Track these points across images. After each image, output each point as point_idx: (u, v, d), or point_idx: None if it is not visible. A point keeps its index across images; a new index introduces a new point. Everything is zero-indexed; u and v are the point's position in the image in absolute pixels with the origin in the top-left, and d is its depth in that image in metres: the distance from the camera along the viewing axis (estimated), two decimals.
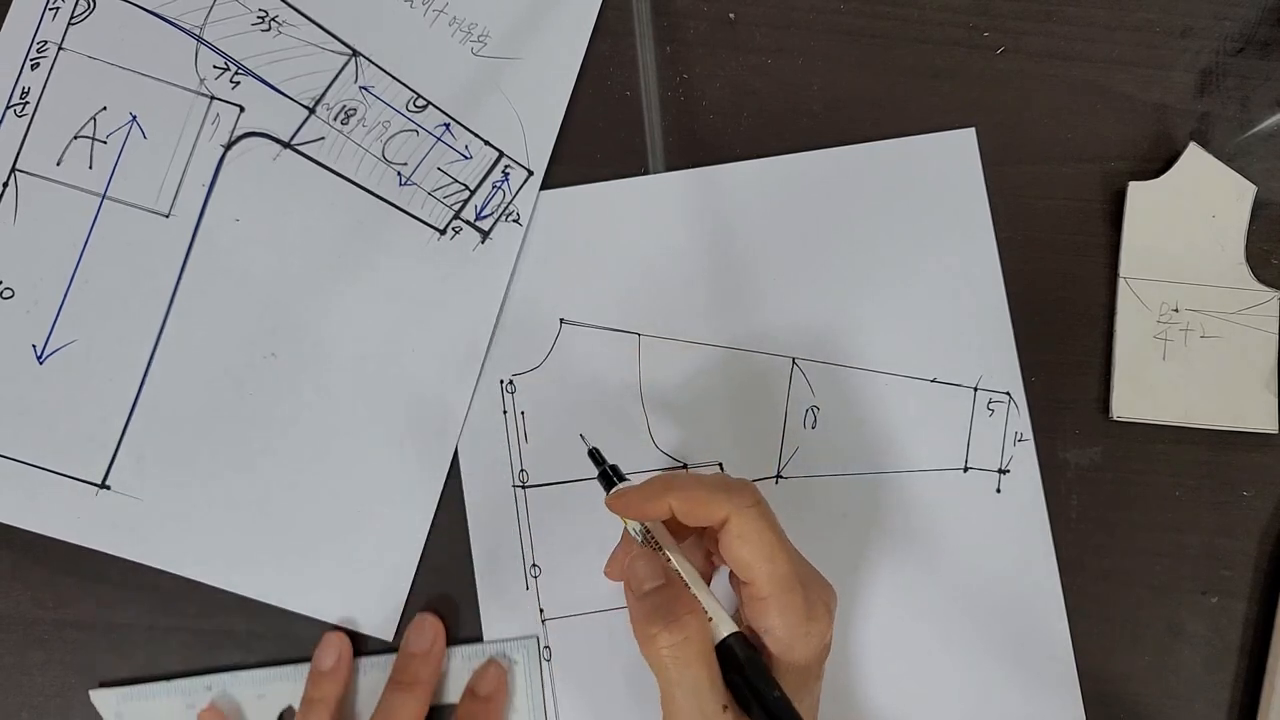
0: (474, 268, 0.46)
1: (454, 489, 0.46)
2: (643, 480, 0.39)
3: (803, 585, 0.36)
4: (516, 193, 0.46)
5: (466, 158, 0.46)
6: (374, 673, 0.44)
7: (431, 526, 0.45)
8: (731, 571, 0.38)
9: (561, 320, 0.46)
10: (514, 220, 0.46)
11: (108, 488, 0.44)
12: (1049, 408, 0.47)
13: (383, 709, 0.42)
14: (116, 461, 0.44)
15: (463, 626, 0.45)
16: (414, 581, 0.45)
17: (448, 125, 0.46)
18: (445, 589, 0.45)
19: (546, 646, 0.45)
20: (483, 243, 0.46)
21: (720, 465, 0.46)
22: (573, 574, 0.45)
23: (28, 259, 0.45)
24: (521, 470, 0.46)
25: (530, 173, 0.46)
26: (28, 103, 0.45)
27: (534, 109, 0.47)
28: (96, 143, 0.45)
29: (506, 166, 0.46)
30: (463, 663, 0.44)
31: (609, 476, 0.41)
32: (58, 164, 0.45)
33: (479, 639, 0.45)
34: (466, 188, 0.46)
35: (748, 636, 0.36)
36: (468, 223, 0.46)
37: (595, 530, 0.45)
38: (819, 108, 0.48)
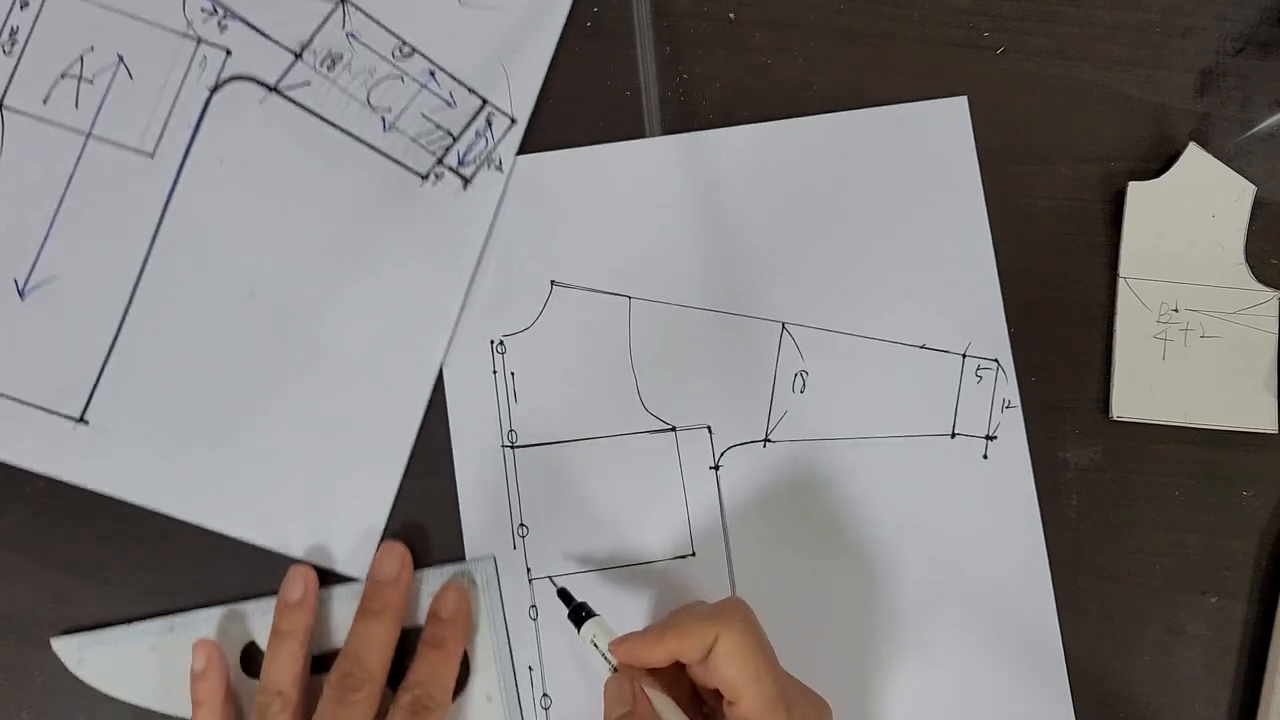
0: (456, 213, 0.46)
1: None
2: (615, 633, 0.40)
3: (787, 708, 0.36)
4: (499, 140, 0.47)
5: (450, 105, 0.46)
6: (343, 602, 0.44)
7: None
8: (718, 691, 0.38)
9: (552, 282, 0.47)
10: (496, 168, 0.46)
11: (86, 422, 0.45)
12: (1049, 408, 0.47)
13: (353, 637, 0.42)
14: (95, 397, 0.45)
15: None
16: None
17: (433, 73, 0.47)
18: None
19: (533, 606, 0.45)
20: (464, 189, 0.46)
21: (709, 428, 0.46)
22: (560, 534, 0.45)
23: (11, 195, 0.45)
24: (510, 430, 0.46)
25: (513, 121, 0.47)
26: (16, 41, 0.46)
27: (518, 58, 0.47)
28: (83, 82, 0.46)
29: (490, 114, 0.47)
30: (427, 586, 0.45)
31: (579, 614, 0.41)
32: (44, 102, 0.46)
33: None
34: (450, 134, 0.46)
35: None
36: (450, 169, 0.46)
37: (583, 491, 0.46)
38: (819, 108, 0.48)
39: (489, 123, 0.47)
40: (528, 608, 0.45)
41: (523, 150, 0.47)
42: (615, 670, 0.39)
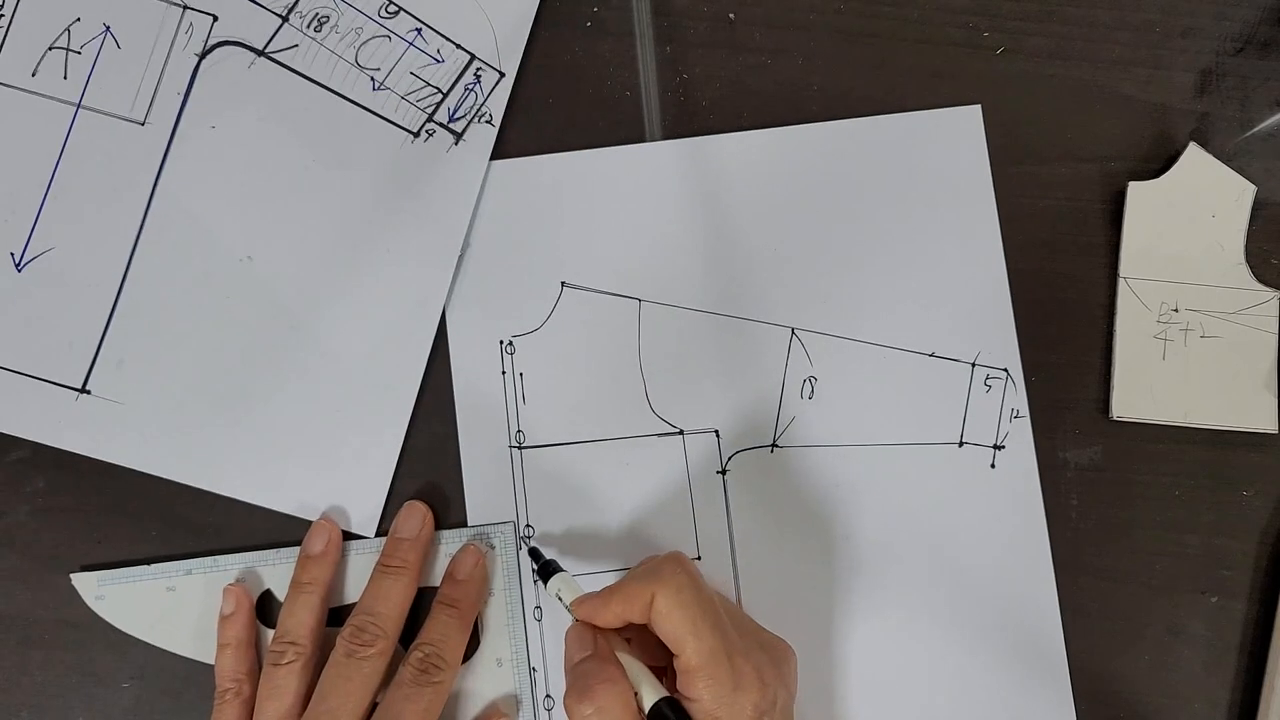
0: (448, 168, 0.47)
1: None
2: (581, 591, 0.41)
3: (730, 656, 0.37)
4: (489, 95, 0.47)
5: (438, 61, 0.47)
6: (362, 557, 0.45)
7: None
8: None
9: (563, 283, 0.47)
10: (486, 121, 0.47)
11: (88, 392, 0.45)
12: (1049, 408, 0.47)
13: (371, 592, 0.43)
14: (96, 366, 0.45)
15: None
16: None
17: (419, 30, 0.47)
18: None
19: (538, 607, 0.45)
20: (456, 144, 0.47)
21: (716, 433, 0.46)
22: (565, 535, 0.45)
23: (3, 168, 0.46)
24: (518, 431, 0.46)
25: (501, 74, 0.47)
26: (2, 15, 0.46)
27: (504, 11, 0.47)
28: (71, 53, 0.46)
29: (478, 69, 0.47)
30: (446, 548, 0.45)
31: (546, 569, 0.42)
32: (33, 75, 0.46)
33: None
34: (439, 90, 0.47)
35: (678, 701, 0.37)
36: (441, 125, 0.47)
37: (589, 493, 0.46)
38: (819, 108, 0.48)
39: (477, 77, 0.47)
40: (532, 609, 0.45)
41: (524, 151, 0.47)
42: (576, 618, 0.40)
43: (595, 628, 0.39)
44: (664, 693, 0.37)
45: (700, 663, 0.36)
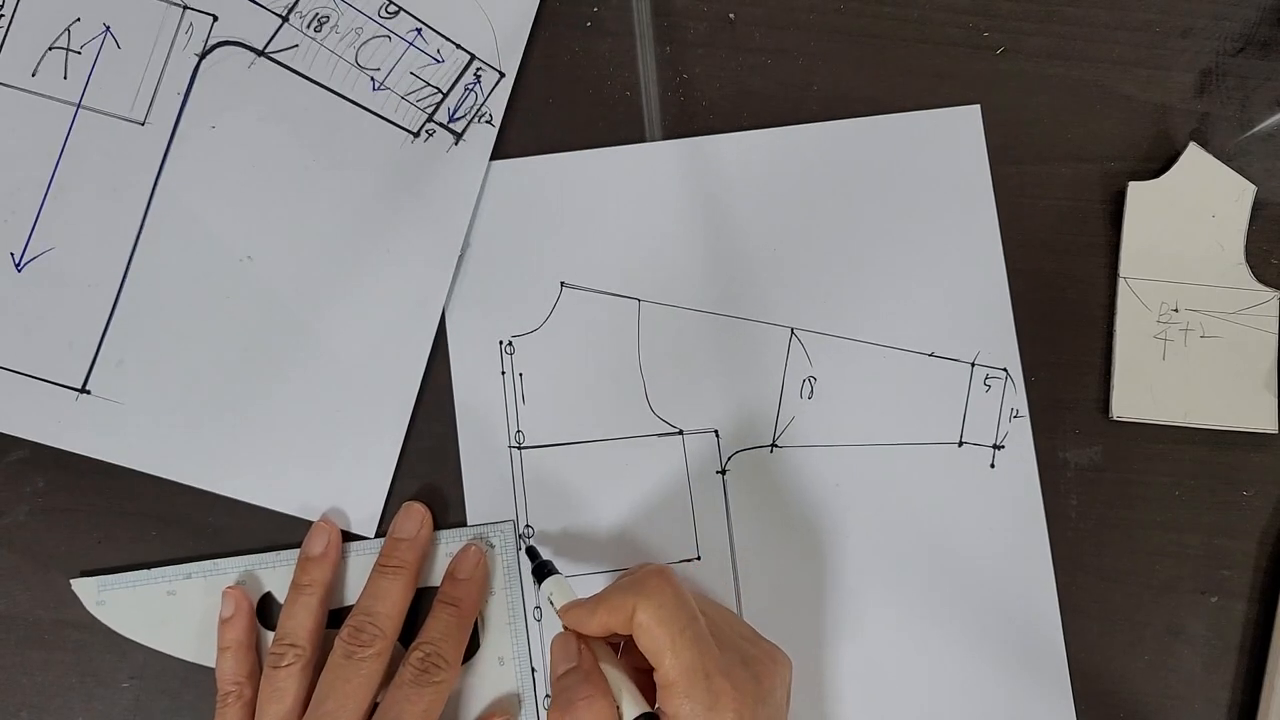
0: (448, 168, 0.47)
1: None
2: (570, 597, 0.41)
3: (707, 674, 0.36)
4: (489, 95, 0.47)
5: (438, 61, 0.47)
6: (362, 558, 0.45)
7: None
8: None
9: (562, 283, 0.47)
10: (486, 121, 0.47)
11: (88, 392, 0.45)
12: (1049, 408, 0.47)
13: (369, 592, 0.43)
14: (96, 366, 0.45)
15: None
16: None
17: (419, 30, 0.47)
18: None
19: (538, 607, 0.45)
20: (456, 144, 0.47)
21: (716, 433, 0.46)
22: (565, 535, 0.46)
23: (3, 168, 0.46)
24: (518, 431, 0.46)
25: (501, 74, 0.47)
26: (2, 15, 0.46)
27: (504, 11, 0.47)
28: (71, 53, 0.46)
29: (478, 69, 0.47)
30: (446, 547, 0.45)
31: (542, 570, 0.42)
32: (33, 75, 0.46)
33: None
34: (439, 90, 0.47)
35: (658, 717, 0.37)
36: (441, 125, 0.47)
37: (589, 493, 0.46)
38: (819, 108, 0.48)
39: (477, 77, 0.47)
40: (533, 608, 0.45)
41: (524, 151, 0.47)
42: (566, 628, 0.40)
43: (582, 635, 0.39)
44: (645, 707, 0.37)
45: (676, 678, 0.36)
